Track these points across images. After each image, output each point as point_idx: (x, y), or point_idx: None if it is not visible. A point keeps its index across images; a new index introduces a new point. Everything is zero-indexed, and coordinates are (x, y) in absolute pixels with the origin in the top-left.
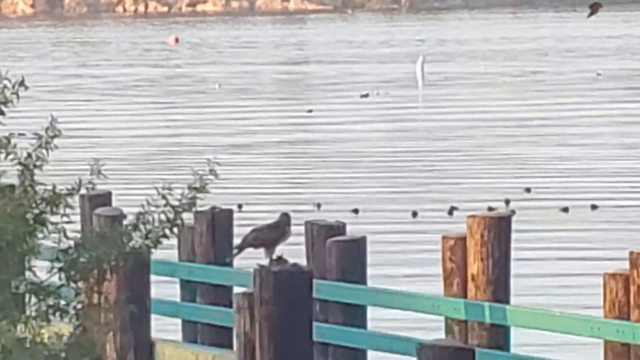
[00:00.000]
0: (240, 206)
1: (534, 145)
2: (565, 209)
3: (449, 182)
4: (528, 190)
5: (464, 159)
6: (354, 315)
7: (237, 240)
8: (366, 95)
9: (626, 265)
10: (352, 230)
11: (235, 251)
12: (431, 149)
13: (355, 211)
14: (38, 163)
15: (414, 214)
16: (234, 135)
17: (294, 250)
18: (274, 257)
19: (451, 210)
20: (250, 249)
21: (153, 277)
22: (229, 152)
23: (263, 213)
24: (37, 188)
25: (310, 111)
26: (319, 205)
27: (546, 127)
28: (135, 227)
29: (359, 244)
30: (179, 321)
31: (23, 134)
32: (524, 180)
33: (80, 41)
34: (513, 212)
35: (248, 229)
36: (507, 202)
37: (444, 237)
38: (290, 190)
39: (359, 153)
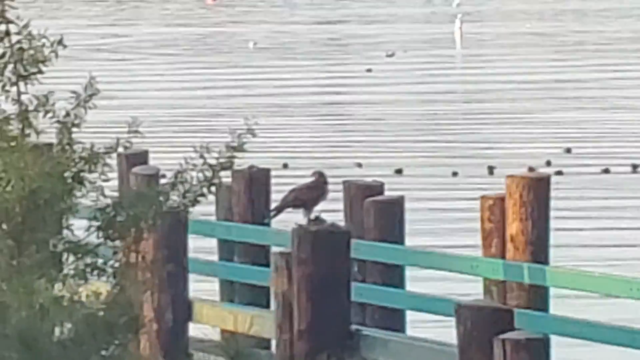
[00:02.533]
0: (285, 165)
1: (575, 108)
2: (606, 170)
3: (489, 144)
4: (568, 150)
5: (504, 120)
6: (392, 275)
7: (275, 199)
8: (392, 55)
9: None
10: (394, 190)
11: (273, 212)
12: (471, 110)
13: (399, 171)
14: (76, 122)
15: (454, 174)
16: (271, 96)
17: (332, 210)
18: (312, 216)
19: (491, 170)
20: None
21: (191, 236)
22: (267, 113)
23: (303, 173)
24: (75, 147)
25: (369, 70)
26: (359, 165)
27: (587, 90)
28: (173, 186)
29: (397, 203)
30: (216, 280)
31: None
32: (564, 142)
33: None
34: (560, 172)
35: (287, 188)
36: (549, 163)
37: (482, 197)
38: (329, 152)
39: (398, 114)
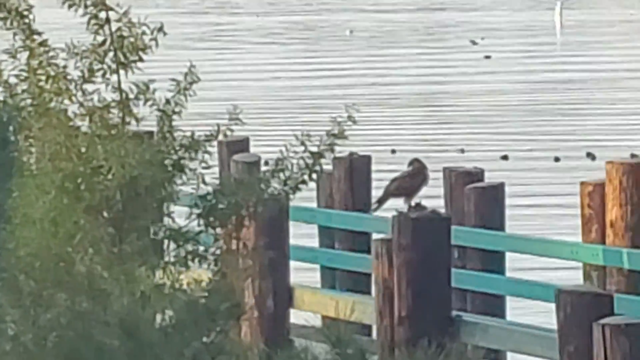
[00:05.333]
0: (393, 151)
1: None
2: None
3: (591, 132)
4: None
5: (605, 109)
6: (492, 261)
7: (375, 185)
8: (475, 43)
9: None
10: (497, 176)
11: (375, 205)
12: (572, 98)
13: (505, 157)
14: (177, 109)
15: (556, 160)
16: (372, 86)
17: (432, 197)
18: (413, 203)
19: (592, 157)
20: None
21: (291, 223)
22: (369, 104)
23: (406, 161)
24: (176, 134)
25: (488, 57)
26: (462, 151)
27: None
28: (274, 173)
29: (498, 190)
30: (317, 267)
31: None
32: None
33: None
34: None
35: (387, 175)
36: None
37: (582, 183)
38: (432, 141)
39: (500, 103)
